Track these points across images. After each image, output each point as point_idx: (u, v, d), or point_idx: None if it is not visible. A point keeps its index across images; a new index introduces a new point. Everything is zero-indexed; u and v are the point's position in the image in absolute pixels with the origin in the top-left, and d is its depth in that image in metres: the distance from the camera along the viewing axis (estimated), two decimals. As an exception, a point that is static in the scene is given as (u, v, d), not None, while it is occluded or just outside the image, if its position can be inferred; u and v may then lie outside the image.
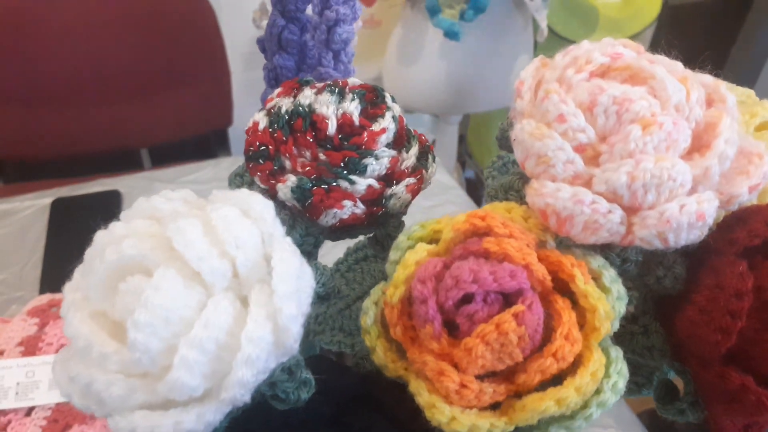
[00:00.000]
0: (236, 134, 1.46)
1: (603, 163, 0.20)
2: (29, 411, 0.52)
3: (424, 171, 0.28)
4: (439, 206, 0.79)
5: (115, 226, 0.21)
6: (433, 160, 0.29)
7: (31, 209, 0.78)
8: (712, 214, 0.20)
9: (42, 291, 0.67)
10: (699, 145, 0.21)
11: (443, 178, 0.85)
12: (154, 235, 0.20)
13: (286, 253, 0.20)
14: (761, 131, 0.26)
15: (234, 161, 0.88)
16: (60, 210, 0.77)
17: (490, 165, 0.37)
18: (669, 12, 1.85)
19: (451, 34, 1.08)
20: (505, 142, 0.27)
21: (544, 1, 1.07)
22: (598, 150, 0.21)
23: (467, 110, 1.32)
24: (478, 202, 1.80)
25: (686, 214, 0.19)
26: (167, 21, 1.17)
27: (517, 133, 0.22)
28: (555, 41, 1.33)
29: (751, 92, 0.28)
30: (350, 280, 0.34)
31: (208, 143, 1.43)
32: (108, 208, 0.78)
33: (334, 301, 0.33)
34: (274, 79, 0.32)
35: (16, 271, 0.70)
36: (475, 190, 1.81)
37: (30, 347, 0.56)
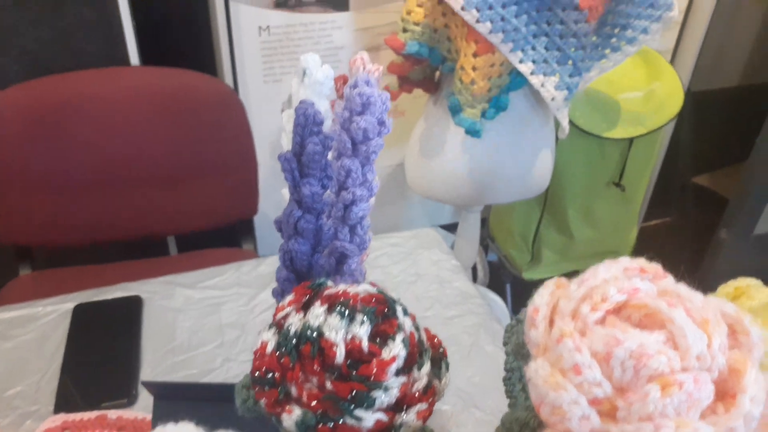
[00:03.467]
0: (261, 221, 1.48)
1: (620, 420, 0.19)
2: None
3: (437, 383, 0.27)
4: (459, 317, 0.78)
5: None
6: (447, 368, 0.28)
7: (53, 314, 0.79)
8: (738, 481, 0.19)
9: (57, 406, 0.67)
10: (723, 392, 0.20)
11: (464, 286, 0.84)
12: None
13: None
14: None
15: (256, 264, 0.89)
16: (81, 316, 0.78)
17: (508, 329, 0.37)
18: (692, 98, 1.86)
19: (472, 133, 1.09)
20: (513, 347, 0.26)
21: (566, 100, 1.09)
22: (615, 404, 0.20)
23: (488, 202, 1.33)
24: (500, 286, 1.78)
25: (711, 485, 0.18)
26: (198, 114, 1.22)
27: (532, 374, 0.21)
28: (577, 134, 1.34)
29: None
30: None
31: (233, 230, 1.45)
32: (129, 313, 0.79)
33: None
34: (289, 260, 0.33)
35: (34, 382, 0.70)
36: (498, 274, 1.79)
37: (40, 476, 0.55)
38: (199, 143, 1.23)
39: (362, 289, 0.27)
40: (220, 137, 1.24)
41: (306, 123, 0.30)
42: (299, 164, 0.31)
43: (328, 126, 0.33)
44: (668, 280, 0.23)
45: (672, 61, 1.73)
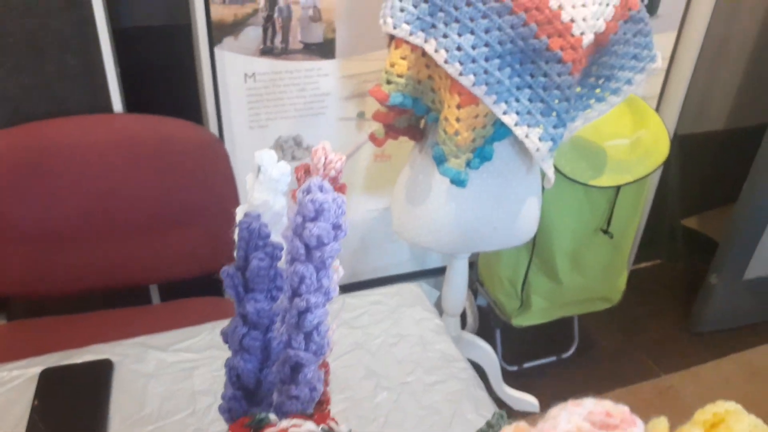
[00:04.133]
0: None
1: None
2: None
3: None
4: (440, 383, 0.75)
5: None
6: None
7: (19, 380, 0.76)
8: None
9: (16, 484, 0.63)
10: None
11: (447, 348, 0.81)
12: None
13: None
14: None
15: (232, 323, 0.86)
16: (48, 381, 0.75)
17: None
18: (679, 141, 1.87)
19: (457, 182, 1.08)
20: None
21: (550, 151, 1.08)
22: None
23: (475, 250, 1.31)
24: (490, 332, 1.75)
25: None
26: (181, 161, 1.20)
27: None
28: (564, 182, 1.33)
29: (758, 422, 0.25)
30: None
31: (216, 278, 1.42)
32: (98, 379, 0.76)
33: None
34: (235, 377, 0.31)
35: (-6, 456, 0.67)
36: (488, 320, 1.77)
37: None
38: (182, 191, 1.22)
39: (306, 429, 0.25)
40: (203, 185, 1.22)
41: (250, 238, 0.28)
42: (244, 279, 0.29)
43: (284, 224, 0.32)
44: (637, 429, 0.21)
45: (658, 106, 1.74)
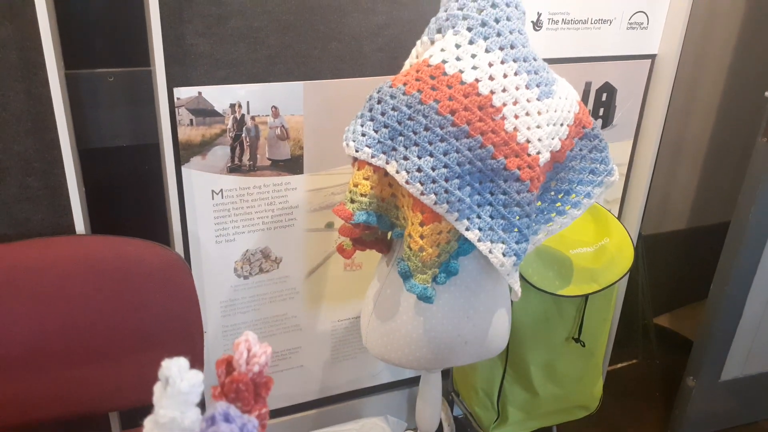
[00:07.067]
0: (207, 391, 1.40)
1: None
2: None
3: None
4: None
5: None
6: None
7: None
8: None
9: None
10: None
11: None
12: None
13: None
14: None
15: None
16: None
17: None
18: (644, 242, 1.90)
19: (423, 299, 1.07)
20: None
21: (515, 266, 1.08)
22: None
23: (447, 365, 1.28)
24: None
25: None
26: (142, 283, 1.17)
27: None
28: (532, 292, 1.33)
29: None
30: None
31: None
32: None
33: None
34: None
35: None
36: (465, 431, 1.71)
37: None
38: (143, 314, 1.18)
39: None
40: (165, 307, 1.19)
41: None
42: None
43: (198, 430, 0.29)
44: None
45: (621, 209, 1.78)
